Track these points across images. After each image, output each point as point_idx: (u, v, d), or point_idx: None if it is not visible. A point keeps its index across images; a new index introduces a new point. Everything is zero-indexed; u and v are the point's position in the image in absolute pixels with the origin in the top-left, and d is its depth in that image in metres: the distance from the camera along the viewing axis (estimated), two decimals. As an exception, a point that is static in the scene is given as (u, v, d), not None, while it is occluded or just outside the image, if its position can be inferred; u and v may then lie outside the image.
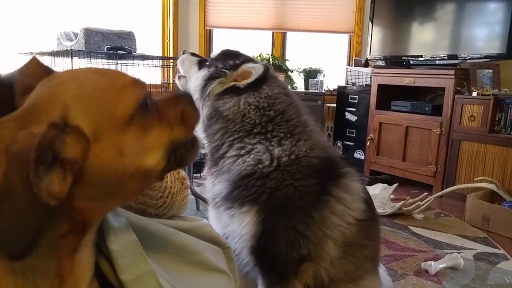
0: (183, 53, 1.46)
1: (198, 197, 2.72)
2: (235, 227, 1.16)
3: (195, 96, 1.29)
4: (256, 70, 1.21)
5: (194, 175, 3.12)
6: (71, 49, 2.99)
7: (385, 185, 3.05)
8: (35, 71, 0.64)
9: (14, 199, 0.47)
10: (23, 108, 0.56)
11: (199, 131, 1.30)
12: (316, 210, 1.13)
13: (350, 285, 1.22)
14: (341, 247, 1.16)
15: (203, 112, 1.25)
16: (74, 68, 2.85)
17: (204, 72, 1.29)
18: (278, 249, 1.13)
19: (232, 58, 1.29)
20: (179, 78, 1.44)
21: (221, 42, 4.99)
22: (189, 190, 0.89)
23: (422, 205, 2.80)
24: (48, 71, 0.65)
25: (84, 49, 3.30)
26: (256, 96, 1.21)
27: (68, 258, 0.59)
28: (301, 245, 1.13)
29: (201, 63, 1.38)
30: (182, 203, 0.87)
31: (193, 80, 1.35)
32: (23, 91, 0.62)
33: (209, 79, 1.25)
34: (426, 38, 3.66)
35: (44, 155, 0.48)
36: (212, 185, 1.26)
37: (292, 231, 1.12)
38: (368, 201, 1.27)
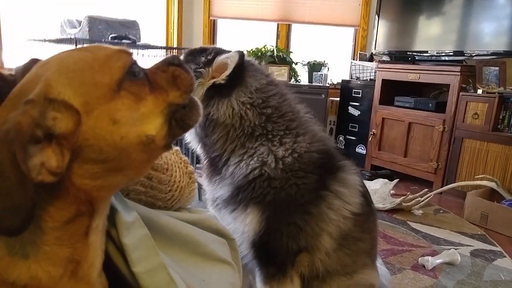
0: None
1: (202, 188, 2.74)
2: (238, 225, 1.17)
3: None
4: (231, 59, 1.14)
5: (197, 165, 3.14)
6: (75, 37, 2.99)
7: (386, 180, 3.07)
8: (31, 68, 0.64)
9: (4, 179, 0.48)
10: (12, 92, 0.57)
11: (193, 142, 1.27)
12: (314, 207, 1.16)
13: (344, 278, 1.25)
14: (337, 239, 1.19)
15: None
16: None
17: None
18: (279, 243, 1.16)
19: (201, 54, 1.21)
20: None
21: (225, 33, 4.99)
22: (196, 184, 0.92)
23: (422, 201, 2.83)
24: None
25: (87, 37, 3.30)
26: (245, 92, 1.17)
27: (81, 242, 0.61)
28: (300, 239, 1.16)
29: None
30: (189, 196, 0.90)
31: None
32: None
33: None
34: (432, 33, 3.65)
35: (29, 133, 0.49)
36: (213, 190, 1.26)
37: (294, 226, 1.15)
38: (365, 194, 1.29)
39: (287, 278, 1.19)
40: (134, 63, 0.62)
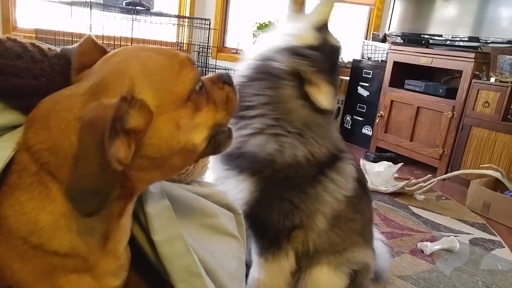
0: None
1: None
2: (229, 188, 1.15)
3: (288, 36, 1.18)
4: (324, 101, 1.16)
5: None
6: (90, 1, 2.97)
7: (390, 163, 3.07)
8: (89, 51, 0.69)
9: (88, 164, 0.53)
10: (91, 84, 0.61)
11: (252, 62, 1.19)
12: (311, 187, 1.18)
13: (332, 257, 1.27)
14: (329, 220, 1.22)
15: (279, 62, 1.14)
16: (92, 19, 2.82)
17: (314, 41, 1.20)
18: (270, 218, 1.17)
19: (334, 69, 1.23)
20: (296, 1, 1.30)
21: (239, 4, 4.91)
22: (208, 159, 0.95)
23: (425, 186, 2.83)
24: (102, 50, 0.70)
25: (101, 1, 3.27)
26: (314, 114, 1.17)
27: (115, 221, 0.66)
28: (295, 216, 1.18)
29: (322, 28, 1.24)
30: (202, 171, 0.94)
31: (302, 30, 1.22)
32: (78, 69, 0.67)
33: (312, 54, 1.17)
34: (448, 17, 3.57)
35: (116, 125, 0.54)
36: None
37: (288, 203, 1.16)
38: (360, 179, 1.32)
39: (281, 252, 1.22)
40: (200, 76, 0.68)
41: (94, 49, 0.69)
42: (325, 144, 1.19)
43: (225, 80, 0.75)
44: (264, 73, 1.15)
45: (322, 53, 1.18)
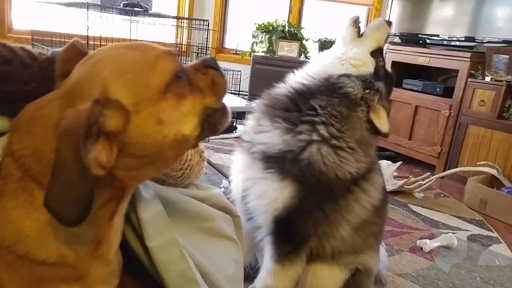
0: (388, 23, 1.34)
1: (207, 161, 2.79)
2: (268, 190, 1.16)
3: (349, 63, 1.23)
4: (382, 126, 1.21)
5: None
6: (87, 3, 2.98)
7: (389, 162, 3.10)
8: (73, 57, 0.67)
9: (67, 172, 0.51)
10: (66, 87, 0.60)
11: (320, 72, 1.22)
12: (343, 198, 1.20)
13: (352, 256, 1.31)
14: (354, 226, 1.25)
15: (348, 86, 1.18)
16: (89, 21, 2.85)
17: (372, 68, 1.24)
18: (304, 225, 1.19)
19: (388, 93, 1.29)
20: (355, 25, 1.31)
21: (238, 5, 4.93)
22: (205, 162, 0.95)
23: (424, 184, 2.86)
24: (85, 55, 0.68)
25: (99, 3, 3.27)
26: (368, 134, 1.21)
27: (106, 224, 0.64)
28: (322, 225, 1.20)
29: (376, 53, 1.29)
30: (198, 174, 0.94)
31: (360, 52, 1.25)
32: (62, 75, 0.66)
33: (378, 83, 1.21)
34: (444, 17, 3.61)
35: (91, 130, 0.53)
36: (262, 132, 1.19)
37: (322, 213, 1.18)
38: (383, 188, 1.36)
39: (298, 257, 1.24)
40: (180, 65, 0.65)
41: (79, 54, 0.67)
42: (367, 161, 1.23)
43: (209, 64, 0.72)
44: (336, 92, 1.17)
45: (382, 81, 1.25)
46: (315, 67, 1.27)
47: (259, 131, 1.20)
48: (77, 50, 0.68)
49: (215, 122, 0.70)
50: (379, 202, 1.29)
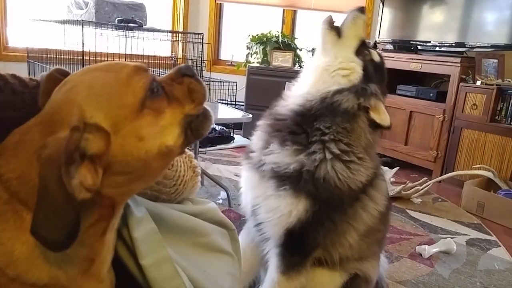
0: (360, 11, 1.29)
1: (203, 173, 2.79)
2: (281, 205, 1.18)
3: (338, 74, 1.22)
4: (385, 121, 1.22)
5: (199, 149, 3.19)
6: (82, 20, 3.00)
7: (386, 168, 3.11)
8: (53, 88, 0.67)
9: (51, 199, 0.52)
10: (45, 113, 0.62)
11: (311, 86, 1.23)
12: (350, 207, 1.23)
13: (356, 263, 1.33)
14: (361, 233, 1.27)
15: (344, 102, 1.19)
16: (85, 37, 2.87)
17: (360, 71, 1.23)
18: (315, 236, 1.21)
19: (382, 85, 1.28)
20: (332, 28, 1.28)
21: (231, 17, 4.98)
22: (199, 177, 0.96)
23: (421, 189, 2.87)
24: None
25: (94, 19, 3.30)
26: (372, 136, 1.23)
27: (98, 242, 0.65)
28: (331, 234, 1.23)
29: (361, 49, 1.27)
30: (193, 189, 0.94)
31: (344, 57, 1.24)
32: (46, 97, 0.66)
33: (370, 87, 1.22)
34: (435, 24, 3.66)
35: (73, 156, 0.54)
36: (271, 152, 1.21)
37: (331, 223, 1.21)
38: (388, 195, 1.38)
39: (304, 268, 1.25)
40: (153, 79, 0.66)
41: (58, 84, 0.67)
42: (374, 165, 1.25)
43: (184, 72, 0.72)
44: (336, 111, 1.19)
45: (373, 77, 1.25)
46: (309, 85, 1.26)
47: (268, 152, 1.22)
48: (55, 79, 0.68)
49: (198, 127, 0.71)
50: (384, 209, 1.31)
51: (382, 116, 1.22)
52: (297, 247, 1.23)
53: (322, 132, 1.18)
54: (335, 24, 1.29)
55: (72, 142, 0.54)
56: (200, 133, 0.72)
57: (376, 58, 1.29)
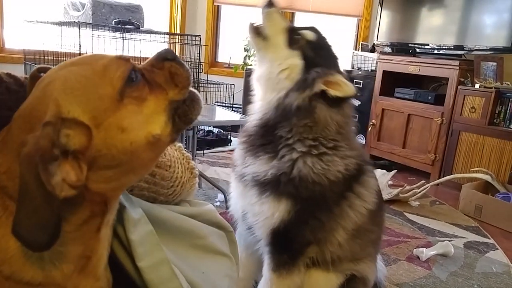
0: (269, 5, 1.25)
1: (200, 175, 2.78)
2: (264, 210, 1.20)
3: (280, 79, 1.20)
4: (349, 90, 1.18)
5: (197, 152, 3.18)
6: (78, 21, 3.00)
7: (384, 171, 3.11)
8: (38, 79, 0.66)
9: (30, 198, 0.51)
10: (23, 109, 0.60)
11: (271, 102, 1.21)
12: (336, 206, 1.23)
13: (351, 264, 1.33)
14: (350, 232, 1.27)
15: (293, 101, 1.17)
16: (82, 39, 2.86)
17: (299, 61, 1.20)
18: (300, 234, 1.22)
19: (330, 60, 1.25)
20: (258, 34, 1.25)
21: (229, 19, 4.98)
22: (197, 179, 0.95)
23: (419, 192, 2.87)
24: None
25: (91, 21, 3.29)
26: (342, 114, 1.21)
27: (93, 238, 0.64)
28: (319, 232, 1.23)
29: (291, 38, 1.23)
30: (190, 191, 0.94)
31: (279, 57, 1.21)
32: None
33: (310, 74, 1.18)
34: (433, 26, 3.66)
35: (50, 153, 0.52)
36: (248, 164, 1.23)
37: (317, 221, 1.22)
38: (378, 193, 1.37)
39: (295, 267, 1.26)
40: (132, 68, 0.64)
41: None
42: (354, 155, 1.24)
43: (164, 57, 0.69)
44: (291, 113, 1.18)
45: (315, 58, 1.21)
46: (261, 98, 1.26)
47: (246, 165, 1.24)
48: (39, 78, 0.67)
49: (186, 113, 0.69)
50: (374, 207, 1.30)
51: (344, 88, 1.17)
52: (285, 246, 1.25)
53: (285, 138, 1.19)
54: (260, 28, 1.26)
55: (44, 138, 0.52)
56: (189, 118, 0.70)
57: (311, 37, 1.25)
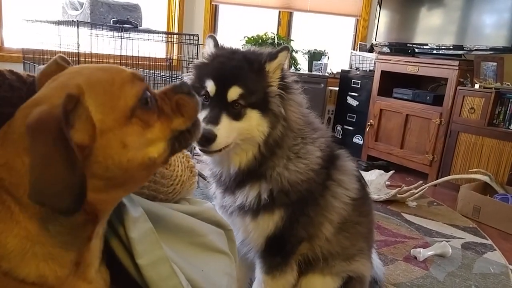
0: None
1: (199, 175, 2.78)
2: (260, 225, 1.21)
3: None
4: (283, 57, 1.15)
5: (195, 151, 3.16)
6: (77, 21, 2.99)
7: (382, 171, 3.11)
8: (55, 71, 0.67)
9: (53, 164, 0.51)
10: (35, 97, 0.61)
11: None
12: (322, 197, 1.24)
13: (344, 264, 1.33)
14: (336, 225, 1.28)
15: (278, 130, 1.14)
16: (80, 38, 2.86)
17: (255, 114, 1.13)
18: (293, 233, 1.23)
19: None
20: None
21: (226, 19, 4.97)
22: (196, 177, 0.95)
23: (417, 193, 2.87)
24: None
25: (89, 20, 3.28)
26: (298, 102, 1.20)
27: (84, 246, 0.65)
28: (309, 228, 1.24)
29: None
30: (190, 189, 0.94)
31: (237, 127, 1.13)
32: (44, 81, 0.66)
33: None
34: (432, 26, 3.66)
35: (69, 118, 0.53)
36: (231, 198, 1.23)
37: (307, 217, 1.23)
38: (360, 179, 1.37)
39: (288, 267, 1.27)
40: (147, 89, 0.65)
41: (62, 69, 0.67)
42: (320, 135, 1.25)
43: (177, 90, 0.71)
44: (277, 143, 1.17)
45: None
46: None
47: (232, 200, 1.23)
48: (60, 66, 0.68)
49: (186, 139, 0.71)
50: (358, 195, 1.30)
51: (281, 59, 1.14)
52: (277, 249, 1.25)
53: (265, 167, 1.17)
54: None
55: (69, 104, 0.53)
56: (188, 143, 0.72)
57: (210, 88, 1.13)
